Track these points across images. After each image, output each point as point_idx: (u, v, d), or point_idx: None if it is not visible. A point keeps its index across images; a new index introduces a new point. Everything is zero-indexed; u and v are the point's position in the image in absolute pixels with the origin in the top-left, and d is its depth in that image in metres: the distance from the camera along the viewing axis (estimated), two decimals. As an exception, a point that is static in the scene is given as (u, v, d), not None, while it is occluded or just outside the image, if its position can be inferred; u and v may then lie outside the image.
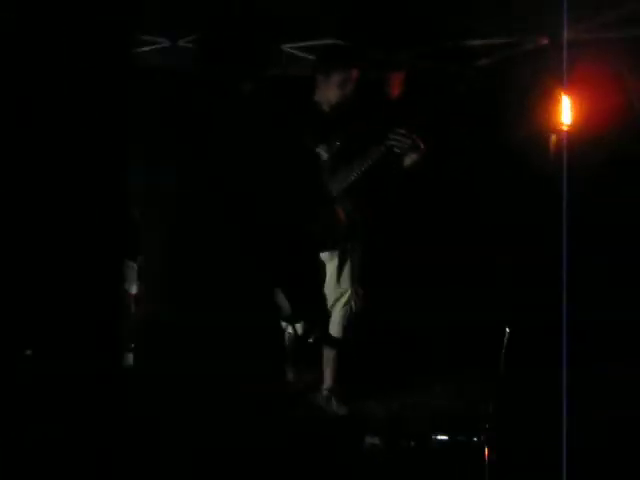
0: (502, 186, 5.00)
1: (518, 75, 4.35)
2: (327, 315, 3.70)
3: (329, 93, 3.90)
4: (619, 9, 3.57)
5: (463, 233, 4.95)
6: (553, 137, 4.54)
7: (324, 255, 4.01)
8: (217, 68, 2.26)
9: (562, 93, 4.22)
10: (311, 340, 3.61)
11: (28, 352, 2.11)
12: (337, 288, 4.05)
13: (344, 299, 4.05)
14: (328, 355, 4.18)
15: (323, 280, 3.79)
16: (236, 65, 2.29)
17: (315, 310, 3.55)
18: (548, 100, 4.29)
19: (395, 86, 4.40)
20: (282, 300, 3.51)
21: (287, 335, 4.17)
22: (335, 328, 4.11)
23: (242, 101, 2.26)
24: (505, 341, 3.71)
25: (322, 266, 4.02)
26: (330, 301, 4.09)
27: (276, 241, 2.27)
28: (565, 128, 4.43)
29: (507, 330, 3.65)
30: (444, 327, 4.57)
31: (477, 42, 4.26)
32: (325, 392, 4.19)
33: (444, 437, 3.49)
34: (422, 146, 3.87)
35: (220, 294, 2.22)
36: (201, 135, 2.13)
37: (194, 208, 2.15)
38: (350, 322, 4.08)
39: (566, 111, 4.38)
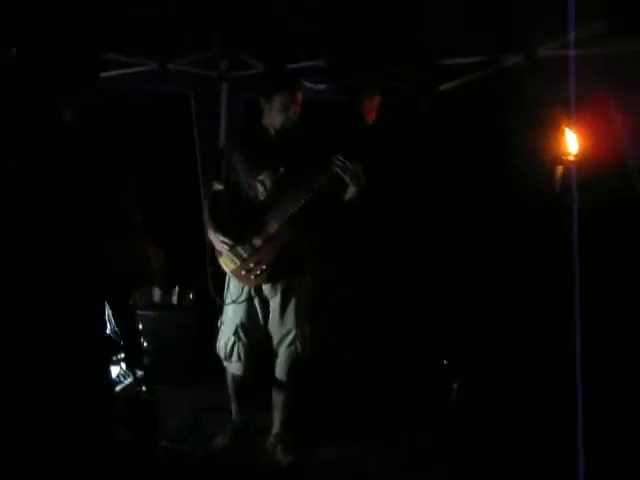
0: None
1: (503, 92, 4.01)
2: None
3: (273, 117, 3.64)
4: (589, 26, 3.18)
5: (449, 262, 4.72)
6: (559, 168, 4.22)
7: (266, 290, 3.73)
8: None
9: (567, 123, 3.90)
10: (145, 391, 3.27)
11: None
12: (281, 327, 3.76)
13: (288, 339, 3.76)
14: (276, 398, 3.92)
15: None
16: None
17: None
18: (552, 129, 3.96)
19: (370, 110, 4.08)
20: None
21: (232, 376, 3.92)
22: (280, 370, 3.82)
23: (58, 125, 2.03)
24: (454, 394, 3.49)
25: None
26: (274, 341, 3.81)
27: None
28: (572, 158, 4.13)
29: (454, 385, 3.45)
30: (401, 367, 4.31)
31: (448, 61, 3.93)
32: (272, 439, 3.91)
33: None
34: (362, 181, 3.53)
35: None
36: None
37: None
38: (296, 364, 3.78)
39: (572, 141, 4.06)
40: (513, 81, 3.78)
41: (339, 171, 3.48)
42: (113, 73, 4.70)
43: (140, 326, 4.42)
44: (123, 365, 3.30)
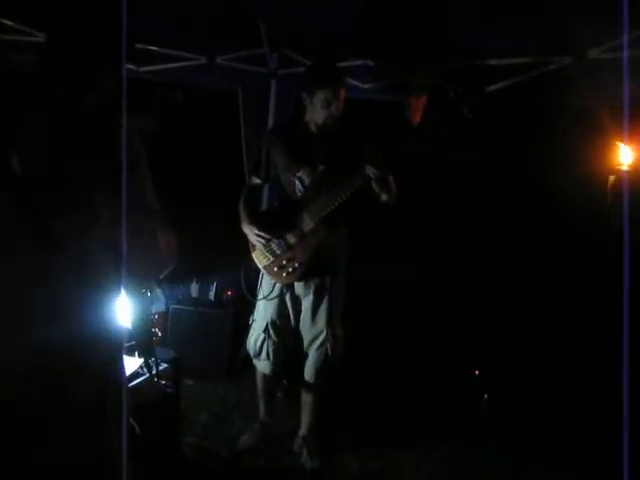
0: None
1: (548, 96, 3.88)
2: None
3: (315, 113, 3.57)
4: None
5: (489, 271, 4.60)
6: (611, 178, 4.09)
7: (299, 288, 3.66)
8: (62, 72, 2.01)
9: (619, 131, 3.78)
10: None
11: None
12: (312, 327, 3.68)
13: (319, 340, 3.67)
14: (305, 400, 3.84)
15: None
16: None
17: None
18: (602, 135, 3.84)
19: (416, 111, 4.00)
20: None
21: (261, 374, 3.86)
22: (309, 371, 3.74)
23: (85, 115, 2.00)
24: (484, 406, 3.37)
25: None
26: (305, 341, 3.73)
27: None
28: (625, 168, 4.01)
29: (485, 396, 3.33)
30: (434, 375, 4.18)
31: (492, 62, 3.80)
32: (298, 440, 3.83)
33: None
34: (393, 191, 3.50)
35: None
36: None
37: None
38: (327, 366, 3.69)
39: (626, 150, 3.94)
40: (562, 84, 3.65)
41: (371, 174, 3.42)
42: (160, 67, 4.77)
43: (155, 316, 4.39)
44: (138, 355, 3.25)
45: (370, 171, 3.40)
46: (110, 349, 2.14)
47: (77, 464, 2.03)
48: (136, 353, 3.10)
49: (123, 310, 2.66)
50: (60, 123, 1.94)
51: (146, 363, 3.06)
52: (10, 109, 1.90)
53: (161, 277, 2.30)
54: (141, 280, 2.63)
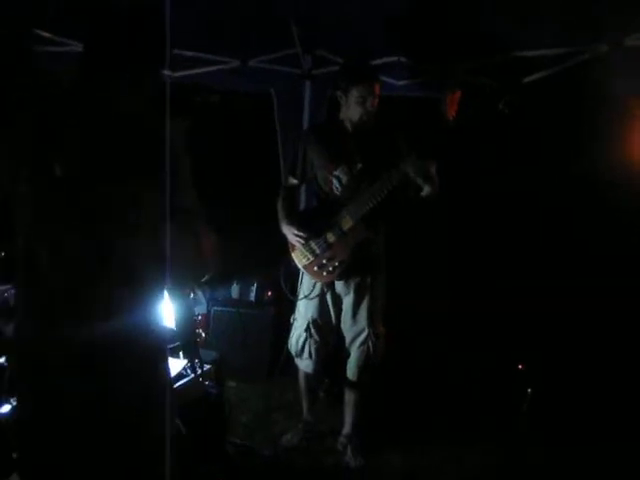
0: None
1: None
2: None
3: (350, 111, 3.57)
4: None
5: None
6: None
7: (339, 287, 3.67)
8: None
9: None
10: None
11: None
12: (353, 326, 3.69)
13: (361, 339, 3.68)
14: (348, 399, 3.85)
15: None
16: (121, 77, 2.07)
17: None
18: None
19: (452, 105, 3.97)
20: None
21: (303, 373, 3.87)
22: (351, 370, 3.75)
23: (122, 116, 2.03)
24: (526, 402, 3.34)
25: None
26: (347, 340, 3.74)
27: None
28: None
29: (529, 391, 3.29)
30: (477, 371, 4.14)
31: (528, 54, 3.76)
32: (342, 439, 3.84)
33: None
34: (435, 181, 3.46)
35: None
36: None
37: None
38: (369, 364, 3.69)
39: None
40: (599, 73, 3.59)
41: (409, 170, 3.40)
42: (195, 71, 4.80)
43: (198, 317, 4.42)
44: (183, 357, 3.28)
45: (410, 166, 3.38)
46: (155, 350, 2.18)
47: (120, 460, 2.07)
48: (181, 354, 3.14)
49: (168, 311, 2.68)
50: (102, 129, 1.98)
51: (191, 364, 3.09)
52: (53, 118, 1.94)
53: (204, 280, 2.32)
54: (185, 282, 2.65)
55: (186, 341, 2.90)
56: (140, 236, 1.98)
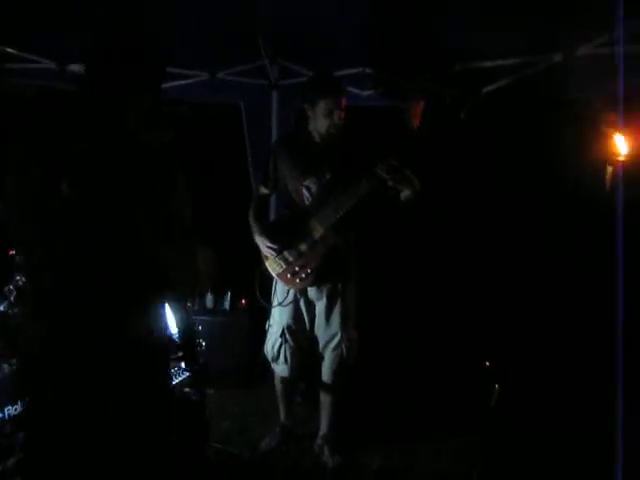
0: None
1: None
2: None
3: (317, 123, 3.68)
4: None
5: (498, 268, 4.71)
6: (609, 168, 4.18)
7: (312, 293, 3.78)
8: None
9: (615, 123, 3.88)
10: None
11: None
12: (326, 330, 3.80)
13: (334, 343, 3.79)
14: (323, 401, 3.96)
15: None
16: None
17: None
18: (598, 129, 3.94)
19: (415, 115, 4.11)
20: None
21: (279, 378, 3.98)
22: (326, 373, 3.87)
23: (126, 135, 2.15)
24: (494, 398, 3.47)
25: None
26: (320, 344, 3.85)
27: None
28: (621, 159, 4.10)
29: (496, 387, 3.42)
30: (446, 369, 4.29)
31: (487, 64, 3.91)
32: (319, 440, 3.95)
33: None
34: (416, 183, 3.55)
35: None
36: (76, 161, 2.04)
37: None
38: (343, 367, 3.81)
39: (621, 141, 4.03)
40: (556, 81, 3.76)
41: (385, 176, 3.50)
42: (165, 85, 4.88)
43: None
44: (175, 365, 3.37)
45: (385, 171, 3.49)
46: (158, 354, 2.29)
47: (122, 460, 2.17)
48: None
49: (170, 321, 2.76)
50: (108, 146, 2.08)
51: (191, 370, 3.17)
52: (61, 135, 2.04)
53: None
54: (187, 295, 2.76)
55: (189, 349, 2.97)
56: (143, 248, 2.08)
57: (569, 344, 4.38)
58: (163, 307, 2.33)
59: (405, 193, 3.57)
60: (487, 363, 3.83)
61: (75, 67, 4.43)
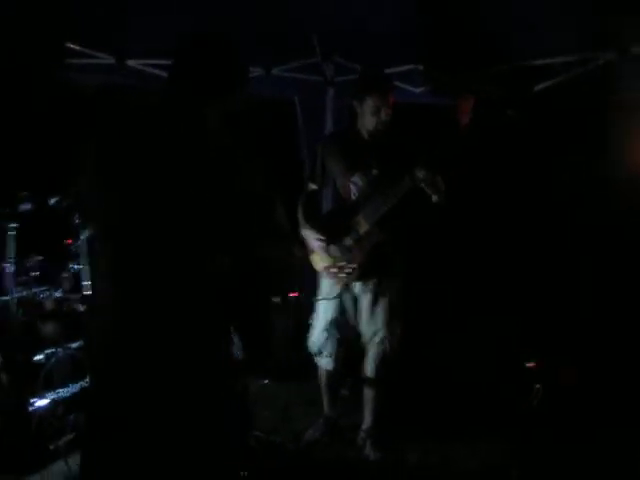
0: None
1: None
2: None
3: (365, 119, 3.71)
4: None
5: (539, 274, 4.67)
6: None
7: (357, 288, 3.82)
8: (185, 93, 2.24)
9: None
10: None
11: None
12: (370, 325, 3.84)
13: (378, 338, 3.83)
14: (366, 395, 3.99)
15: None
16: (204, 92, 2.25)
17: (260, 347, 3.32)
18: None
19: (464, 113, 4.10)
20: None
21: (323, 371, 4.03)
22: (369, 367, 3.90)
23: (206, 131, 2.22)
24: (535, 398, 3.45)
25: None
26: (364, 338, 3.89)
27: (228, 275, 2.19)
28: None
29: (538, 387, 3.40)
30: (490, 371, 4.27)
31: (540, 62, 3.87)
32: (362, 433, 3.99)
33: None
34: (442, 191, 3.62)
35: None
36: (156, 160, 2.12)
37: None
38: (386, 362, 3.84)
39: None
40: (607, 80, 3.70)
41: (421, 177, 3.53)
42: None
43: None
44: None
45: (420, 174, 3.53)
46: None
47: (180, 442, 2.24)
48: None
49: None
50: (191, 145, 2.15)
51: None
52: (142, 134, 2.12)
53: None
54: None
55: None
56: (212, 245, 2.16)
57: (614, 344, 4.31)
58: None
59: (434, 198, 3.63)
60: (530, 364, 3.79)
61: (132, 62, 4.56)
